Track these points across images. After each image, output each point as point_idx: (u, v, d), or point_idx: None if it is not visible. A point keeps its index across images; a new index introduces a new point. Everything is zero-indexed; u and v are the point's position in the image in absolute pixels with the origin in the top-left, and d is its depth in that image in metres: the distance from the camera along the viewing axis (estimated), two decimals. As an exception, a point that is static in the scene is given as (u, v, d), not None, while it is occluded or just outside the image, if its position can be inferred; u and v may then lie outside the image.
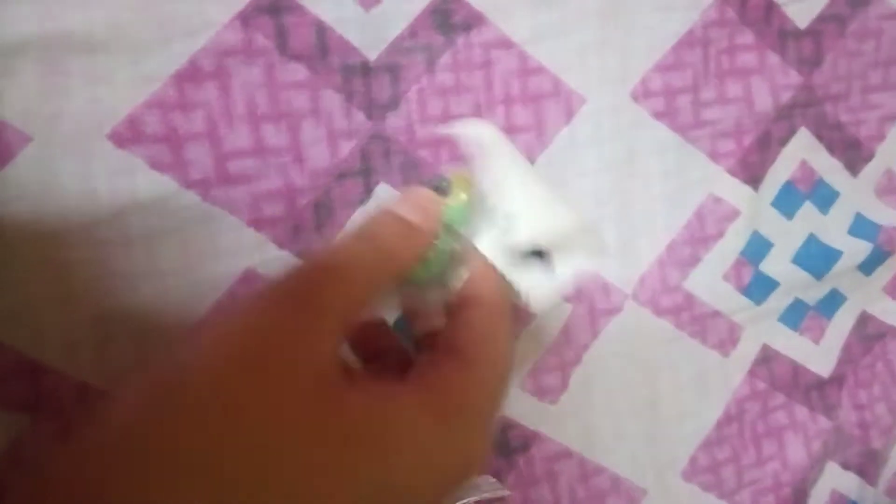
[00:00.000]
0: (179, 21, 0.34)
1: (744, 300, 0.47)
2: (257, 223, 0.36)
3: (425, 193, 0.28)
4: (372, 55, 0.38)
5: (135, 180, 0.34)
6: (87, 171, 0.33)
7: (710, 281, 0.46)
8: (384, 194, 0.39)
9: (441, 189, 0.27)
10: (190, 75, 0.34)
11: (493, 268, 0.28)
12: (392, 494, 0.21)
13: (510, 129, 0.41)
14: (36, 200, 0.32)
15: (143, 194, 0.34)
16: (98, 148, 0.33)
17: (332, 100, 0.37)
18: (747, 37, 0.45)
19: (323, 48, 0.36)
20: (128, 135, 0.33)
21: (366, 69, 0.38)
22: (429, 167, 0.39)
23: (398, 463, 0.22)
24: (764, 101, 0.46)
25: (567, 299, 0.43)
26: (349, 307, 0.24)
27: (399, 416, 0.22)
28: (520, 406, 0.42)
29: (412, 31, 0.38)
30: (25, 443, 0.33)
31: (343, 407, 0.21)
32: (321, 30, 0.36)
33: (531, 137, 0.42)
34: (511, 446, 0.42)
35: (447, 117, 0.40)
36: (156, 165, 0.34)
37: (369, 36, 0.37)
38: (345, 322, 0.23)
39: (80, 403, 0.34)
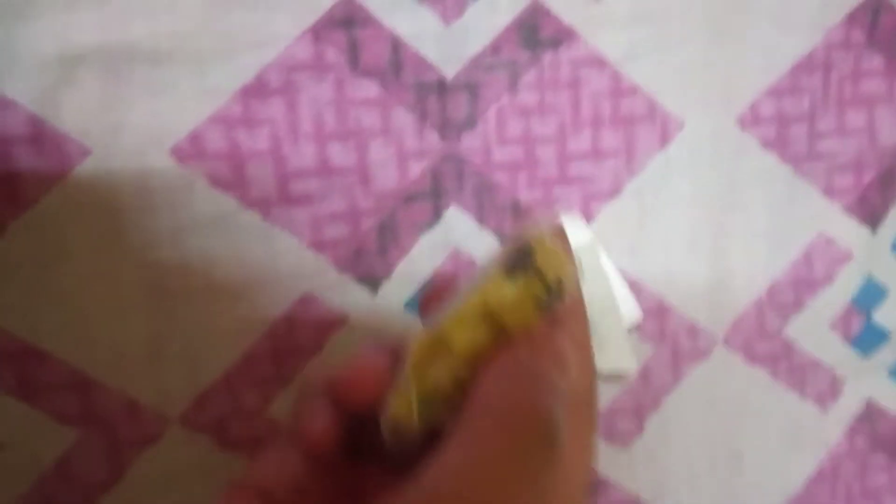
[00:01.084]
0: (247, 33, 0.32)
1: (850, 352, 0.42)
2: (318, 245, 0.34)
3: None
4: (449, 72, 0.35)
5: (194, 197, 0.32)
6: (146, 185, 0.32)
7: (814, 329, 0.41)
8: (454, 218, 0.36)
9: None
10: (256, 90, 0.33)
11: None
12: None
13: (597, 154, 0.38)
14: (93, 214, 0.32)
15: (202, 212, 0.33)
16: (159, 163, 0.32)
17: (404, 118, 0.35)
18: (875, 62, 0.40)
19: (397, 64, 0.34)
20: (190, 150, 0.32)
21: (442, 87, 0.35)
22: (505, 191, 0.37)
23: None
24: (890, 135, 0.41)
25: (648, 339, 0.39)
26: None
27: None
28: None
29: (495, 47, 0.35)
30: (74, 456, 0.33)
31: None
32: (396, 45, 0.34)
33: (620, 163, 0.38)
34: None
35: (528, 139, 0.37)
36: (216, 183, 0.33)
37: (447, 52, 0.35)
38: None
39: (129, 419, 0.33)
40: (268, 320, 0.34)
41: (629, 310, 0.36)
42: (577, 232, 0.35)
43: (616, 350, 0.33)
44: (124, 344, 0.33)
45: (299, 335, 0.34)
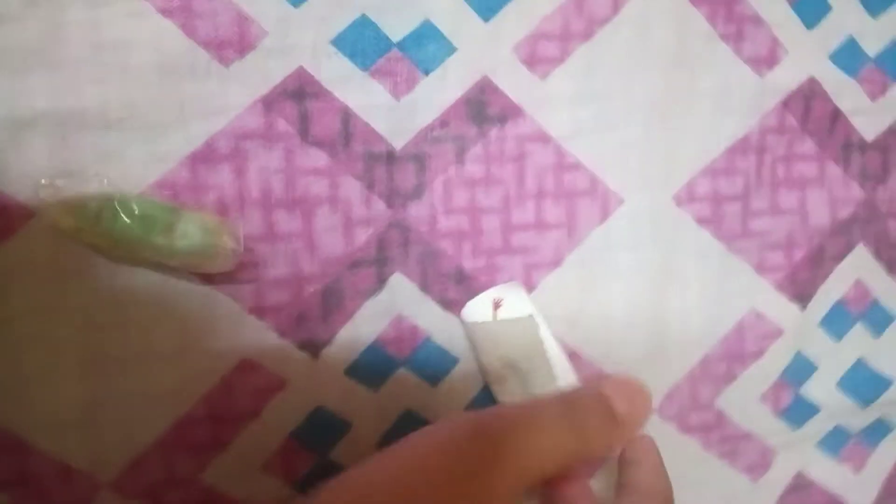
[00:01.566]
0: (199, 102, 0.32)
1: (780, 424, 0.44)
2: (259, 311, 0.34)
3: (640, 389, 0.29)
4: (398, 144, 0.36)
5: (135, 264, 0.32)
6: (86, 250, 0.32)
7: (744, 401, 0.43)
8: (398, 285, 0.37)
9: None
10: (204, 156, 0.33)
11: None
12: None
13: (540, 225, 0.39)
14: (35, 277, 0.31)
15: (144, 277, 0.32)
16: (102, 226, 0.32)
17: (351, 187, 0.35)
18: (807, 146, 0.42)
19: (347, 135, 0.35)
20: (133, 214, 0.32)
21: (391, 157, 0.36)
22: (449, 260, 0.37)
23: None
24: (820, 215, 0.43)
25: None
26: (532, 477, 0.25)
27: None
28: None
29: (443, 121, 0.36)
30: (0, 522, 0.32)
31: None
32: (347, 117, 0.35)
33: (561, 234, 0.39)
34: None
35: (473, 209, 0.38)
36: (160, 247, 0.33)
37: (397, 124, 0.36)
38: (526, 485, 0.25)
39: (62, 484, 0.32)
40: (205, 385, 0.34)
41: (568, 381, 0.37)
42: (518, 302, 0.36)
43: None
44: (59, 408, 0.32)
45: (237, 400, 0.34)
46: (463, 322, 0.37)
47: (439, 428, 0.27)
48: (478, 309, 0.37)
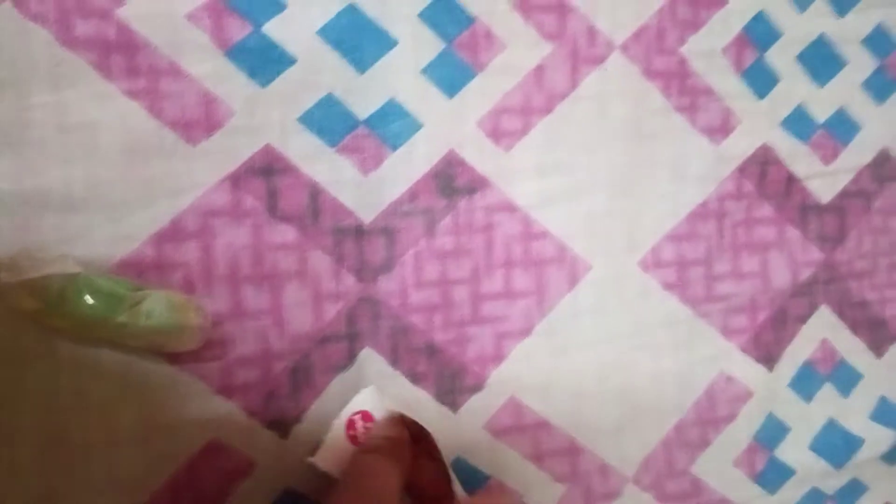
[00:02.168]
0: (165, 181, 0.32)
1: (756, 489, 0.43)
2: (227, 391, 0.34)
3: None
4: (367, 218, 0.36)
5: (99, 344, 0.31)
6: (48, 333, 0.31)
7: (719, 466, 0.43)
8: (368, 360, 0.36)
9: None
10: (171, 235, 0.33)
11: None
12: None
13: (509, 294, 0.39)
14: (-8, 361, 0.30)
15: (107, 357, 0.32)
16: (65, 307, 0.31)
17: (320, 261, 0.35)
18: (765, 210, 0.43)
19: (315, 210, 0.35)
20: (98, 294, 0.31)
21: (360, 232, 0.36)
22: (420, 334, 0.37)
23: None
24: (781, 277, 0.44)
25: (560, 479, 0.40)
26: None
27: None
28: None
29: (412, 195, 0.37)
30: None
31: None
32: (315, 192, 0.35)
33: (531, 303, 0.39)
34: None
35: (444, 281, 0.38)
36: (124, 327, 0.32)
37: (365, 199, 0.36)
38: None
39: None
40: (170, 469, 0.33)
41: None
42: (372, 399, 0.36)
43: None
44: (19, 501, 0.31)
45: (203, 483, 0.33)
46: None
47: None
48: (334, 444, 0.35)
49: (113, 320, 0.29)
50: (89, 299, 0.29)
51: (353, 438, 0.34)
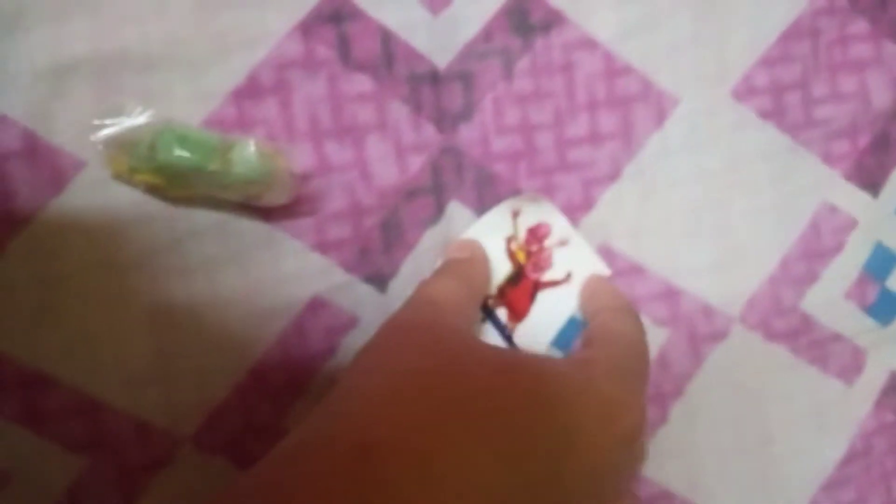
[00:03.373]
0: (238, 33, 0.32)
1: (868, 321, 0.42)
2: (322, 247, 0.33)
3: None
4: (442, 62, 0.35)
5: (192, 204, 0.31)
6: (143, 196, 0.31)
7: (830, 300, 0.41)
8: (456, 213, 0.35)
9: None
10: (249, 91, 0.32)
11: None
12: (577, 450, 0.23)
13: (594, 138, 0.37)
14: (91, 228, 0.31)
15: (201, 219, 0.32)
16: (155, 171, 0.31)
17: (399, 112, 0.34)
18: (861, 26, 0.40)
19: (388, 57, 0.34)
20: (185, 156, 0.31)
21: (435, 78, 0.35)
22: (505, 183, 0.36)
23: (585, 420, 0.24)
24: (882, 97, 0.41)
25: (661, 323, 0.39)
26: None
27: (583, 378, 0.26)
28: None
29: (486, 35, 0.35)
30: (84, 485, 0.31)
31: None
32: (386, 37, 0.34)
33: (618, 145, 0.38)
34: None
35: (525, 127, 0.36)
36: (215, 188, 0.32)
37: (439, 42, 0.35)
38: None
39: (139, 443, 0.32)
40: (277, 328, 0.33)
41: (600, 269, 0.37)
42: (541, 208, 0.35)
43: None
44: (132, 363, 0.31)
45: (310, 339, 0.33)
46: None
47: None
48: (495, 220, 0.35)
49: (205, 170, 0.29)
50: (179, 150, 0.29)
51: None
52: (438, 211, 0.35)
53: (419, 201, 0.35)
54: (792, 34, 0.39)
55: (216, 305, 0.32)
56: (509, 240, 0.35)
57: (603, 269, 0.37)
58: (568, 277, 0.37)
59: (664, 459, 0.39)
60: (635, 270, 0.38)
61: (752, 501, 0.40)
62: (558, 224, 0.36)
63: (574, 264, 0.37)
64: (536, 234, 0.36)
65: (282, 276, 0.33)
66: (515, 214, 0.36)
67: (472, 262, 0.33)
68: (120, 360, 0.31)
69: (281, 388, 0.33)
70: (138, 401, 0.32)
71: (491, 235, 0.35)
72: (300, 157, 0.33)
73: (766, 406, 0.41)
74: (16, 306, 0.30)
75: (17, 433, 0.30)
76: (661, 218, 0.39)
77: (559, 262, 0.37)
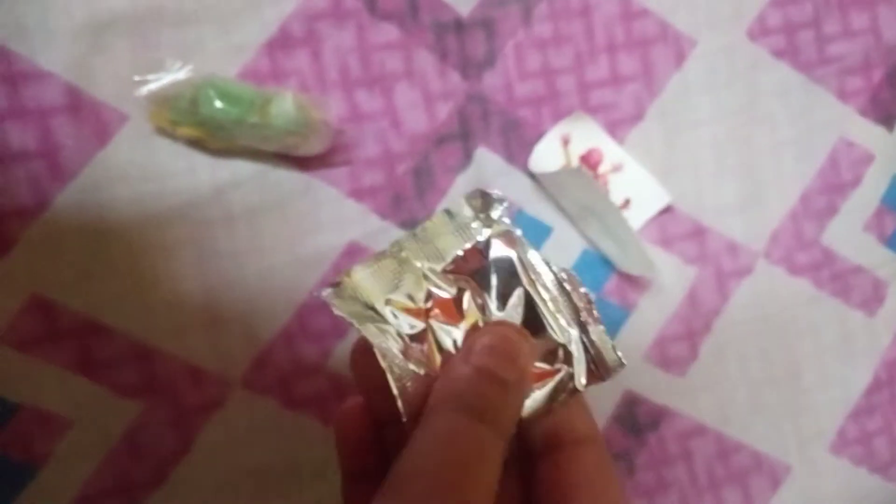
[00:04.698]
0: (267, -14, 0.33)
1: (888, 252, 0.42)
2: (358, 193, 0.34)
3: (513, 339, 0.22)
4: (464, 10, 0.36)
5: (232, 155, 0.32)
6: (185, 148, 0.32)
7: (849, 233, 0.42)
8: (484, 159, 0.36)
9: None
10: (281, 42, 0.33)
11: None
12: None
13: (616, 80, 0.38)
14: (136, 181, 0.32)
15: (241, 169, 0.33)
16: (195, 123, 0.32)
17: (425, 60, 0.35)
18: (871, -39, 0.41)
19: (413, 5, 0.35)
20: (223, 108, 0.32)
21: (459, 25, 0.36)
22: (531, 128, 0.37)
23: None
24: (893, 32, 0.41)
25: (690, 261, 0.39)
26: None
27: None
28: (646, 379, 0.39)
29: (505, -19, 0.36)
30: (141, 430, 0.32)
31: None
32: (411, -14, 0.35)
33: (639, 87, 0.38)
34: (640, 423, 0.39)
35: (547, 72, 0.37)
36: (252, 138, 0.33)
37: (461, -12, 0.35)
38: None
39: (191, 387, 0.33)
40: (317, 273, 0.34)
41: (658, 196, 0.37)
42: (587, 131, 0.36)
43: (633, 254, 0.36)
44: (181, 310, 0.32)
45: (350, 283, 0.34)
46: (532, 170, 0.36)
47: None
48: (546, 150, 0.36)
49: (245, 123, 0.30)
50: (219, 103, 0.30)
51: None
52: (467, 157, 0.36)
53: (448, 148, 0.36)
54: (803, -29, 0.40)
55: (258, 252, 0.33)
56: None
57: (662, 195, 0.38)
58: (626, 203, 0.37)
59: (696, 394, 0.40)
60: (664, 211, 0.39)
61: (783, 431, 0.41)
62: (609, 148, 0.37)
63: (631, 189, 0.37)
64: (589, 162, 0.37)
65: (320, 223, 0.34)
66: (566, 142, 0.36)
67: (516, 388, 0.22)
68: (170, 307, 0.32)
69: (323, 330, 0.34)
70: (189, 346, 0.32)
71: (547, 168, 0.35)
72: (333, 107, 0.34)
73: (793, 338, 0.42)
74: (66, 257, 0.31)
75: (74, 381, 0.31)
76: (687, 157, 0.39)
77: (615, 188, 0.37)
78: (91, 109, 0.31)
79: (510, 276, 0.22)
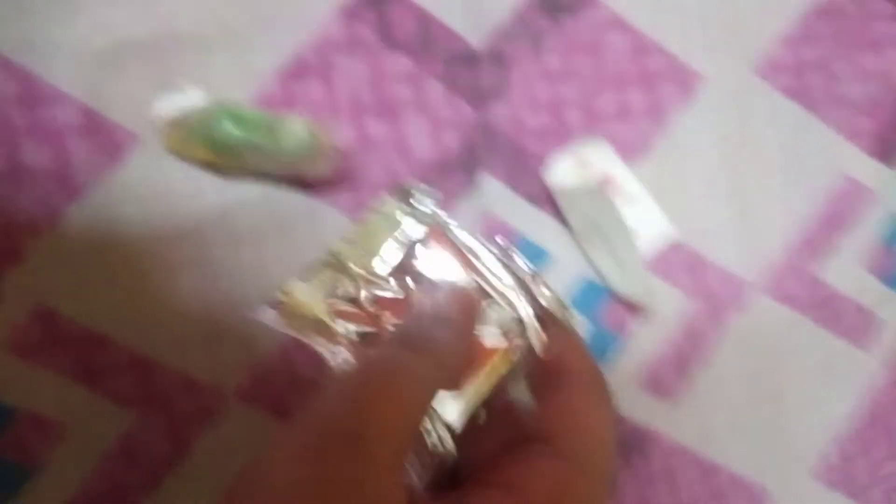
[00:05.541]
0: (284, 15, 0.33)
1: (885, 290, 0.43)
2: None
3: (467, 291, 0.24)
4: (476, 42, 0.36)
5: (240, 177, 0.33)
6: (195, 169, 0.33)
7: (847, 269, 0.42)
8: (489, 186, 0.37)
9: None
10: (295, 70, 0.34)
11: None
12: None
13: (622, 113, 0.39)
14: (146, 201, 0.33)
15: (249, 191, 0.33)
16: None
17: (435, 89, 0.36)
18: (883, 5, 0.41)
19: (426, 37, 0.35)
20: (234, 132, 0.33)
21: (470, 57, 0.36)
22: (536, 158, 0.38)
23: None
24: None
25: (688, 292, 0.40)
26: (406, 434, 0.20)
27: None
28: (635, 403, 0.40)
29: (517, 15, 0.36)
30: (135, 437, 0.33)
31: None
32: (424, 19, 0.35)
33: (646, 121, 0.39)
34: (627, 445, 0.40)
35: (555, 103, 0.38)
36: (261, 162, 0.34)
37: (473, 22, 0.36)
38: (404, 447, 0.20)
39: (186, 396, 0.34)
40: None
41: (666, 233, 0.38)
42: (602, 156, 0.36)
43: (633, 279, 0.38)
44: (181, 325, 0.33)
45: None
46: (546, 180, 0.37)
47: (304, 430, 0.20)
48: (564, 166, 0.37)
49: (255, 144, 0.31)
50: (233, 128, 0.30)
51: None
52: (471, 184, 0.37)
53: (453, 175, 0.37)
54: (818, 13, 0.40)
55: (261, 271, 0.34)
56: None
57: (668, 231, 0.38)
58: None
59: (682, 419, 0.41)
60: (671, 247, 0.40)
61: (763, 453, 0.42)
62: (624, 178, 0.38)
63: (641, 223, 0.38)
64: (604, 188, 0.37)
65: (322, 244, 0.34)
66: (583, 164, 0.37)
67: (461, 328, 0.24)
68: (171, 321, 0.33)
69: (322, 349, 0.35)
70: (187, 358, 0.34)
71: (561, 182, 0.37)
72: (341, 133, 0.34)
73: (779, 368, 0.42)
74: (72, 269, 0.32)
75: (72, 388, 0.32)
76: (690, 191, 0.40)
77: (626, 218, 0.38)
78: (105, 130, 0.32)
79: (450, 266, 0.23)
